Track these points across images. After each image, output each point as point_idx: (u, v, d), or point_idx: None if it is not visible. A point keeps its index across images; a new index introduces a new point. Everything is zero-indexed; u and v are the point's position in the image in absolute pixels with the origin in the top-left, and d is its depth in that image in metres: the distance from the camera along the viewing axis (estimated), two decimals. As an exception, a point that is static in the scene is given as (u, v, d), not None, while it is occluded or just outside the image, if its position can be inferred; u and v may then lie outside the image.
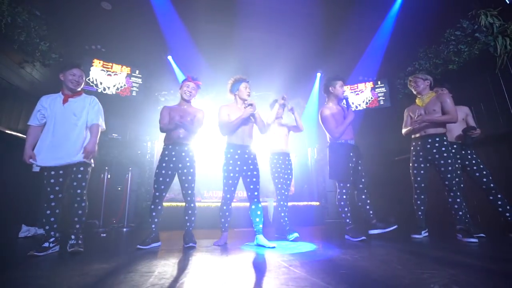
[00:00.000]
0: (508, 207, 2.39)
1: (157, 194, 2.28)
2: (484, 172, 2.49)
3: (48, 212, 1.95)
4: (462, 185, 2.55)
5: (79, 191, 2.05)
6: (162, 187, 2.27)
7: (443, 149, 2.40)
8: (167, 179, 2.29)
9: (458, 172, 2.55)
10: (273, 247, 2.09)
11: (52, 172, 1.97)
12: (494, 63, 3.09)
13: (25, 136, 3.02)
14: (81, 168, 2.05)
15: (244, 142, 2.39)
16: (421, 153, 2.53)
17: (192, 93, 2.51)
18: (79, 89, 2.19)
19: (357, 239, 2.39)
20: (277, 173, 2.86)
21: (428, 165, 2.53)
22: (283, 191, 2.84)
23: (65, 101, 2.10)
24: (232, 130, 2.35)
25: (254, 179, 2.35)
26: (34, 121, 2.07)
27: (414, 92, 2.67)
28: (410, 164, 2.63)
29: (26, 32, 3.26)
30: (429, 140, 2.48)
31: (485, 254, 1.81)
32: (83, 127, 2.12)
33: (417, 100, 2.66)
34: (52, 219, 1.96)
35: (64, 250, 1.97)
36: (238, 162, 2.34)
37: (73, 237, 2.01)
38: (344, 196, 2.60)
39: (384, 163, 4.66)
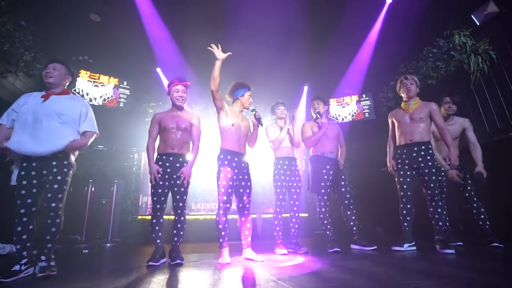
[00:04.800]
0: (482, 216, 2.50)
1: (157, 206, 2.17)
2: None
3: (19, 228, 1.71)
4: (444, 195, 2.65)
5: (53, 204, 1.79)
6: (162, 198, 2.19)
7: (429, 157, 2.38)
8: (166, 190, 2.21)
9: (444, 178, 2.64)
10: (262, 261, 2.06)
11: (24, 182, 1.77)
12: (469, 79, 3.30)
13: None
14: (59, 178, 1.81)
15: (240, 150, 2.32)
16: (406, 161, 2.46)
17: (184, 97, 2.36)
18: (51, 80, 1.96)
19: (331, 250, 2.47)
20: (280, 181, 2.70)
21: (414, 173, 2.47)
22: (291, 201, 2.77)
23: (45, 98, 1.91)
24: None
25: (248, 190, 2.30)
26: (4, 119, 1.88)
27: (405, 96, 2.54)
28: (396, 173, 2.55)
29: (10, 42, 3.19)
30: (415, 148, 2.43)
31: (467, 265, 1.86)
32: (68, 128, 1.93)
33: (403, 105, 2.58)
34: (24, 236, 1.72)
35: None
36: (236, 170, 2.24)
37: (43, 258, 1.74)
38: (323, 209, 2.65)
39: (371, 174, 4.76)
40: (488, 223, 2.48)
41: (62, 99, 1.98)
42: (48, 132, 1.83)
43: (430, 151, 2.40)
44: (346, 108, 5.46)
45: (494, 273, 1.51)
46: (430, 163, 2.36)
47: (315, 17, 4.24)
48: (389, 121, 2.71)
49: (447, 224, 2.61)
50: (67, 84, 2.12)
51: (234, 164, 2.22)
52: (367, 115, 5.25)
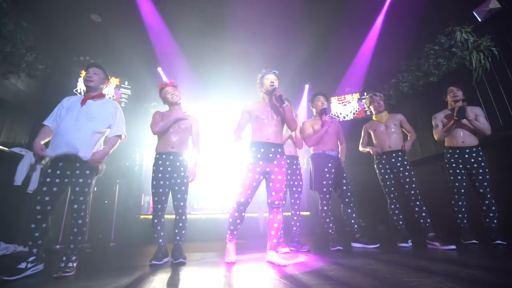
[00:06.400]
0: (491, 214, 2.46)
1: (158, 206, 2.20)
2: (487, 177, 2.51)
3: (33, 225, 1.74)
4: (463, 190, 2.58)
5: (75, 206, 1.86)
6: (163, 198, 2.21)
7: (405, 163, 2.68)
8: (166, 189, 2.24)
9: (464, 177, 2.58)
10: (285, 265, 1.84)
11: (48, 180, 1.80)
12: (471, 76, 3.28)
13: (6, 149, 2.94)
14: (80, 180, 1.86)
15: (268, 139, 2.09)
16: (387, 166, 2.74)
17: (176, 94, 2.43)
18: (92, 84, 2.06)
19: (333, 249, 2.46)
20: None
21: (394, 176, 2.73)
22: (292, 200, 2.77)
23: (83, 102, 2.00)
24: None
25: (278, 185, 2.03)
26: (49, 121, 1.98)
27: (376, 110, 2.94)
28: (380, 177, 2.79)
29: (12, 43, 3.21)
30: (393, 155, 2.72)
31: (471, 262, 1.85)
32: (98, 130, 2.00)
33: (375, 117, 2.96)
34: (37, 234, 1.75)
35: (49, 269, 1.84)
36: (261, 162, 2.02)
37: (64, 258, 1.79)
38: (325, 207, 2.65)
39: (373, 172, 4.73)
40: (495, 221, 2.45)
41: (96, 103, 2.06)
42: (82, 136, 1.90)
43: (406, 157, 2.72)
44: (347, 106, 5.45)
45: (498, 271, 1.50)
46: (408, 167, 2.65)
47: (315, 15, 4.23)
48: (364, 132, 3.02)
49: (465, 221, 2.56)
50: (104, 88, 2.19)
51: (259, 156, 2.04)
52: (368, 113, 5.22)
